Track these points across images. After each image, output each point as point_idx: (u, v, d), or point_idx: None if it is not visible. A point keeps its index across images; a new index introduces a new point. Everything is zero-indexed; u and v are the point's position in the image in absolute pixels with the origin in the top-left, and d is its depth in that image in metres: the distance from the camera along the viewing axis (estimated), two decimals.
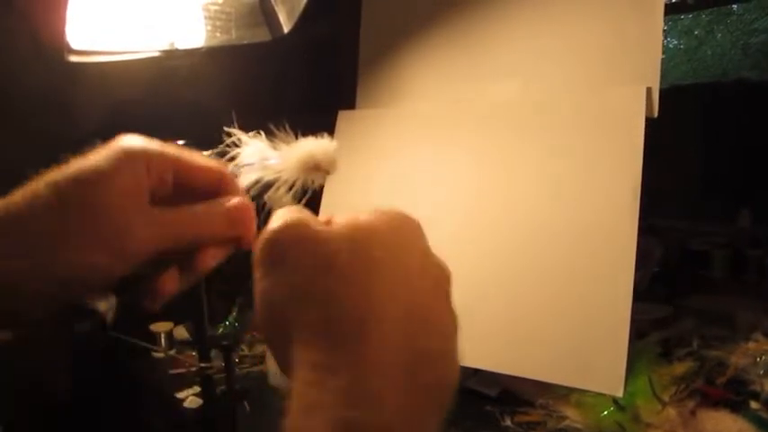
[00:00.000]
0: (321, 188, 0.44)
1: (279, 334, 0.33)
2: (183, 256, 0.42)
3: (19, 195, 0.38)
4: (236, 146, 0.47)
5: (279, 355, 0.34)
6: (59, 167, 0.38)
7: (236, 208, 0.42)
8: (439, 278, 0.36)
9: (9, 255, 0.36)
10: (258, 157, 0.46)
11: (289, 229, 0.35)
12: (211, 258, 0.43)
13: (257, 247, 0.35)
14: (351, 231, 0.34)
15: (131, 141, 0.40)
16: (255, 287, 0.35)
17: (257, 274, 0.35)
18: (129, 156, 0.39)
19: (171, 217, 0.40)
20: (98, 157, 0.39)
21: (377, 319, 0.31)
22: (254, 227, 0.42)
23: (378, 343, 0.31)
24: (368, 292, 0.32)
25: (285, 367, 0.33)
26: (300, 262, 0.33)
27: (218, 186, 0.43)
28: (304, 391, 0.30)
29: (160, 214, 0.39)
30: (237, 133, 0.47)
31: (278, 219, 0.36)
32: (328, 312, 0.32)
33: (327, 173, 0.44)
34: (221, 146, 0.48)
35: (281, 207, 0.46)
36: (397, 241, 0.34)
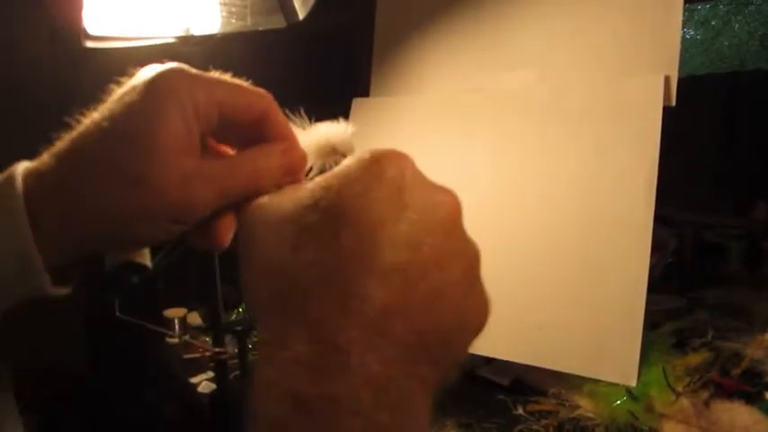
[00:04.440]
0: None
1: (251, 311, 0.32)
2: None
3: (68, 155, 0.35)
4: None
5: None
6: (100, 118, 0.35)
7: (291, 154, 0.39)
8: (460, 256, 0.32)
9: (65, 226, 0.35)
10: None
11: (256, 208, 0.34)
12: None
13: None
14: (316, 193, 0.30)
15: (171, 74, 0.35)
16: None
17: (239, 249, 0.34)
18: (175, 96, 0.35)
19: (229, 171, 0.36)
20: (139, 99, 0.35)
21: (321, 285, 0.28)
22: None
23: (328, 311, 0.28)
24: (323, 261, 0.28)
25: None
26: (263, 230, 0.32)
27: (261, 119, 0.38)
28: (258, 370, 0.29)
29: (217, 169, 0.36)
30: None
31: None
32: (279, 283, 0.30)
33: (344, 156, 0.43)
34: None
35: None
36: (365, 202, 0.29)
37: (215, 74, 0.38)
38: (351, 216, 0.29)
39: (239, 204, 0.38)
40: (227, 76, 0.38)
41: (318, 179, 0.31)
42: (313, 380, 0.27)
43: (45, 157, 0.36)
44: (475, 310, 0.33)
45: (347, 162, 0.31)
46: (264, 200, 0.34)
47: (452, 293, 0.30)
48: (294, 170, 0.39)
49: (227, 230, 0.39)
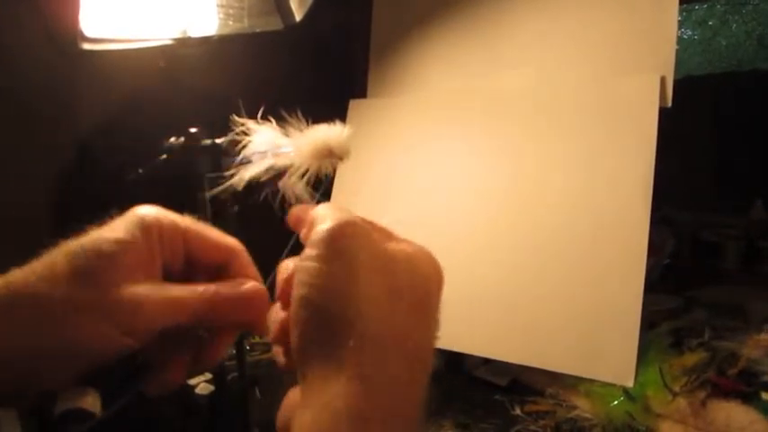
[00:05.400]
0: (332, 175, 0.44)
1: (321, 323, 0.32)
2: (193, 341, 0.42)
3: (39, 265, 0.37)
4: (248, 134, 0.47)
5: (307, 343, 0.33)
6: (77, 237, 0.38)
7: (251, 294, 0.41)
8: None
9: (24, 329, 0.36)
10: (270, 144, 0.46)
11: (359, 228, 0.35)
12: (223, 347, 0.43)
13: (321, 229, 0.34)
14: (411, 256, 0.36)
15: (146, 211, 0.40)
16: (307, 266, 0.33)
17: (315, 252, 0.33)
18: (145, 225, 0.39)
19: (184, 295, 0.39)
20: (114, 226, 0.39)
21: (407, 352, 0.33)
22: (267, 313, 0.40)
23: (397, 375, 0.32)
24: (416, 323, 0.34)
25: (306, 356, 0.32)
26: (368, 265, 0.33)
27: (228, 261, 0.43)
28: (330, 399, 0.30)
29: (172, 292, 0.39)
30: (249, 121, 0.47)
31: (336, 212, 0.35)
32: (376, 325, 0.32)
33: (340, 159, 0.43)
34: (233, 134, 0.48)
35: (294, 194, 0.46)
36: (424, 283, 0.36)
37: (187, 218, 0.42)
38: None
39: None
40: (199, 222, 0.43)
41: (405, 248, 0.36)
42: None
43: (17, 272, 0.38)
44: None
45: (407, 248, 0.37)
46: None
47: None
48: (252, 307, 0.41)
49: (180, 368, 0.41)
